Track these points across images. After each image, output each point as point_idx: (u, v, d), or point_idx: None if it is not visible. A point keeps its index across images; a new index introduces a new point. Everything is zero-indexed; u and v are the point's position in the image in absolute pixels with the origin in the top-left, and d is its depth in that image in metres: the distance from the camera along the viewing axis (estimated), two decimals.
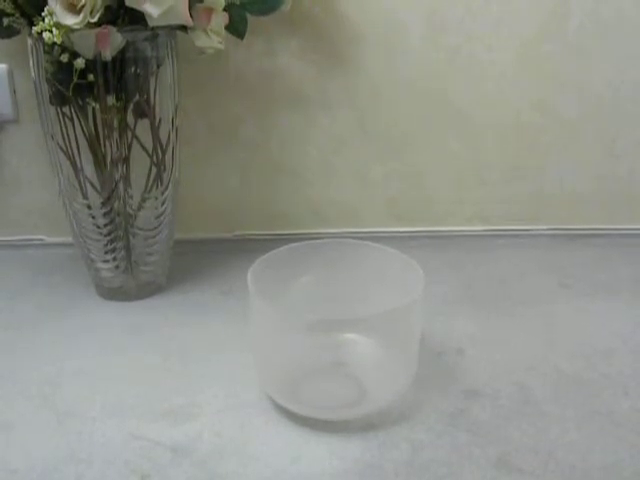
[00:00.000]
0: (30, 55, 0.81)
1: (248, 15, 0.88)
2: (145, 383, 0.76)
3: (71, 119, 0.83)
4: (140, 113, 0.85)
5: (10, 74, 1.00)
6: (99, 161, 0.84)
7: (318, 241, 0.78)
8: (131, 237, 0.90)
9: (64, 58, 0.76)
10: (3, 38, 0.84)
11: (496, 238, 1.12)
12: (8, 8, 0.77)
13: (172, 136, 0.88)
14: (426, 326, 0.84)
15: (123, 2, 0.74)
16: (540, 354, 0.80)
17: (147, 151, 0.87)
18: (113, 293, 0.94)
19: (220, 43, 0.84)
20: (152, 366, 0.79)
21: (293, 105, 1.05)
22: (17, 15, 0.77)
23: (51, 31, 0.72)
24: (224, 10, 0.83)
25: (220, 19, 0.83)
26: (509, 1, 1.00)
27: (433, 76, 1.04)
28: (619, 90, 1.05)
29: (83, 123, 0.83)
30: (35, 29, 0.73)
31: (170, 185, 0.90)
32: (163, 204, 0.91)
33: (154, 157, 0.87)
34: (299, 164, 1.08)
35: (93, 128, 0.83)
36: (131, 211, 0.88)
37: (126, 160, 0.85)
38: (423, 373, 0.75)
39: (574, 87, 1.05)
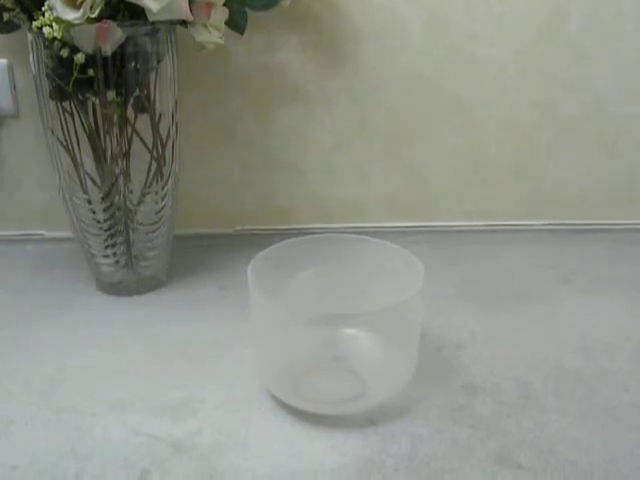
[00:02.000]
0: (30, 50, 0.81)
1: (248, 10, 0.88)
2: (145, 378, 0.76)
3: (71, 114, 0.83)
4: (140, 108, 0.84)
5: (10, 69, 1.00)
6: (99, 156, 0.84)
7: (318, 236, 0.78)
8: (131, 232, 0.90)
9: (64, 53, 0.76)
10: (3, 33, 0.83)
11: (496, 233, 1.12)
12: (8, 3, 0.77)
13: (172, 131, 0.88)
14: (426, 321, 0.84)
15: None
16: (541, 349, 0.80)
17: (147, 146, 0.87)
18: (113, 288, 0.94)
19: (220, 38, 0.83)
20: (152, 361, 0.79)
21: (293, 101, 1.05)
22: (17, 10, 0.77)
23: (51, 26, 0.72)
24: (224, 5, 0.82)
25: (220, 14, 0.82)
26: (509, 0, 1.00)
27: (433, 73, 1.04)
28: (619, 89, 1.05)
29: (83, 118, 0.83)
30: (35, 24, 0.73)
31: (170, 180, 0.90)
32: (163, 199, 0.91)
33: (154, 152, 0.87)
34: (299, 159, 1.08)
35: (93, 123, 0.83)
36: (131, 206, 0.88)
37: (126, 155, 0.85)
38: (423, 368, 0.75)
39: (574, 86, 1.05)
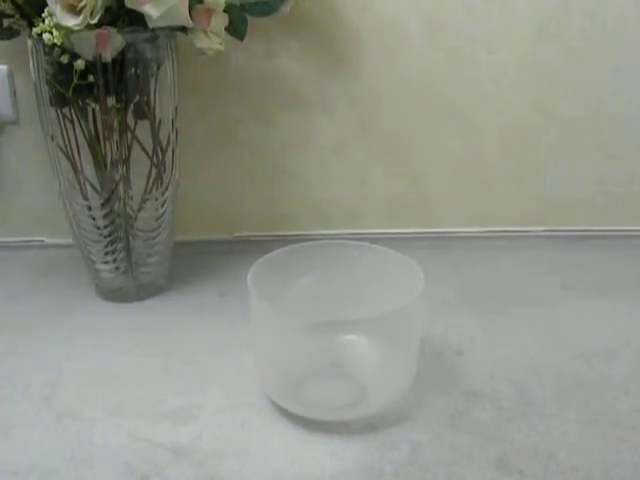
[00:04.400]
0: (30, 56, 0.81)
1: (248, 16, 0.88)
2: (145, 384, 0.76)
3: (71, 120, 0.83)
4: (140, 114, 0.85)
5: (10, 75, 1.00)
6: (99, 162, 0.84)
7: (318, 242, 0.78)
8: (131, 238, 0.90)
9: (64, 59, 0.76)
10: (3, 39, 0.84)
11: (496, 239, 1.12)
12: (8, 9, 0.77)
13: (172, 137, 0.89)
14: (426, 327, 0.84)
15: (123, 3, 0.74)
16: (540, 355, 0.80)
17: (147, 152, 0.87)
18: (113, 294, 0.94)
19: (220, 44, 0.84)
20: (152, 367, 0.79)
21: (293, 106, 1.05)
22: (17, 16, 0.78)
23: (51, 32, 0.72)
24: (224, 11, 0.83)
25: (220, 20, 0.83)
26: (509, 4, 1.00)
27: (433, 78, 1.04)
28: (619, 92, 1.05)
29: (83, 124, 0.83)
30: (35, 30, 0.73)
31: (170, 186, 0.90)
32: (163, 205, 0.91)
33: (154, 158, 0.87)
34: (299, 165, 1.08)
35: (93, 129, 0.83)
36: (131, 212, 0.88)
37: (126, 161, 0.85)
38: (423, 374, 0.75)
39: (574, 89, 1.05)
